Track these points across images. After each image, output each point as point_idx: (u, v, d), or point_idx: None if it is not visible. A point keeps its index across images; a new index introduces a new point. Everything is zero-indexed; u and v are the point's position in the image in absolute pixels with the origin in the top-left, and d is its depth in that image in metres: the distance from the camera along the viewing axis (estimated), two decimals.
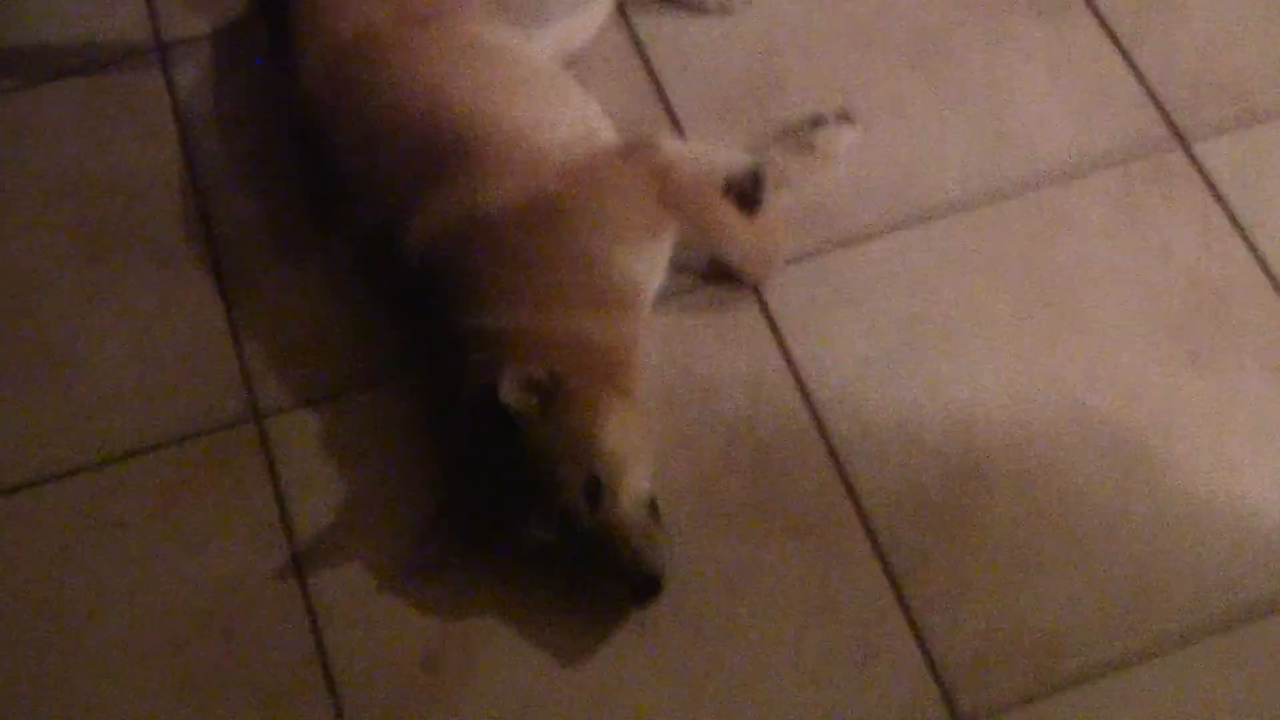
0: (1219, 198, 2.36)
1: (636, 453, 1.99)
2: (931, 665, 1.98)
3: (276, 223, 2.40)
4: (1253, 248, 2.31)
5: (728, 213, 2.21)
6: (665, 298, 2.23)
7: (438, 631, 2.05)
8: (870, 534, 2.07)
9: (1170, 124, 2.43)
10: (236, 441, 2.18)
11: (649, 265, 2.14)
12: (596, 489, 1.92)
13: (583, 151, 2.15)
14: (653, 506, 2.00)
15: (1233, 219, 2.34)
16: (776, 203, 2.29)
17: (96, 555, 2.11)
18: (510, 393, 1.91)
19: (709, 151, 2.28)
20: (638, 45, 2.50)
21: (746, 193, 2.25)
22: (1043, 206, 2.37)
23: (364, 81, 2.19)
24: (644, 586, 1.93)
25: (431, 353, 2.15)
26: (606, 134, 2.26)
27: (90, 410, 2.23)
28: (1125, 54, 2.51)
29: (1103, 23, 2.54)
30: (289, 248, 2.36)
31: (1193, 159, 2.39)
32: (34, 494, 2.17)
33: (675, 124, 2.44)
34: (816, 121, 2.37)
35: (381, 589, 2.07)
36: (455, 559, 2.07)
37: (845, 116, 2.39)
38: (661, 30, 2.54)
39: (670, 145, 2.22)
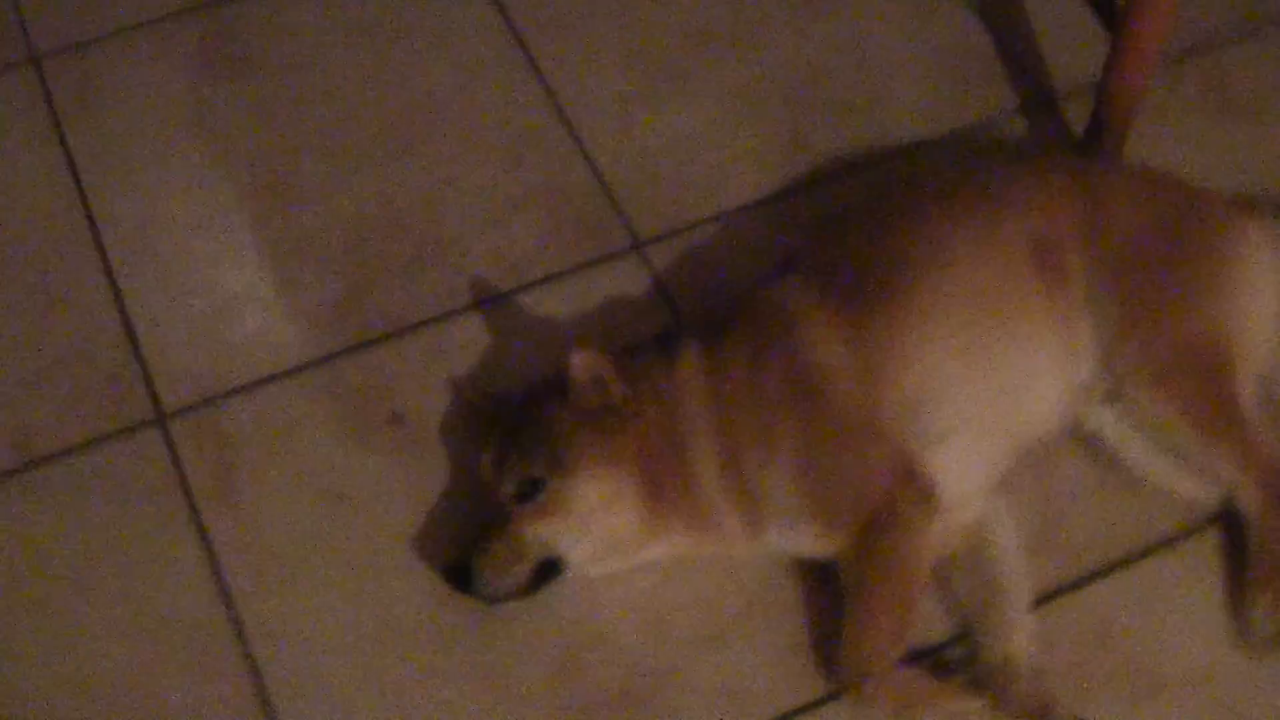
0: None
1: (594, 529, 1.77)
2: None
3: None
4: None
5: (891, 610, 1.75)
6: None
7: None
8: None
9: None
10: None
11: (798, 541, 1.81)
12: (532, 492, 1.76)
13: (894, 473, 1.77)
14: (549, 567, 1.78)
15: None
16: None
17: None
18: (581, 368, 1.75)
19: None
20: None
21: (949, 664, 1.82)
22: None
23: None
24: (459, 574, 1.75)
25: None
26: (962, 507, 1.82)
27: None
28: None
29: None
30: None
31: None
32: None
33: None
34: None
35: None
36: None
37: None
38: None
39: (934, 520, 1.77)
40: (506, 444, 1.79)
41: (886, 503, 1.76)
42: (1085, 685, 1.78)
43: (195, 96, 2.20)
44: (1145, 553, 1.87)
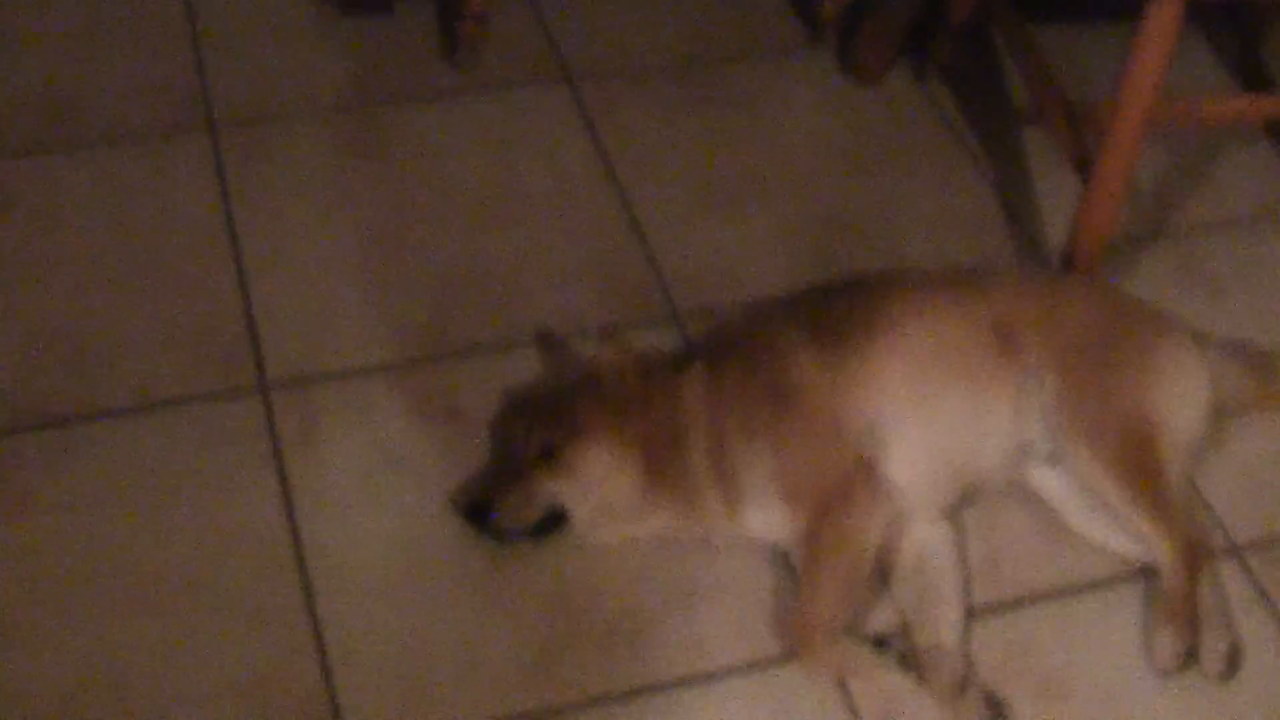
0: None
1: (596, 492, 2.12)
2: None
3: None
4: None
5: (836, 582, 2.07)
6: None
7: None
8: None
9: None
10: None
11: (768, 520, 2.15)
12: (550, 453, 2.10)
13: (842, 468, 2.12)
14: (555, 517, 2.13)
15: None
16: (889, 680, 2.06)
17: None
18: (609, 360, 2.14)
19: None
20: None
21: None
22: None
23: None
24: (479, 510, 2.11)
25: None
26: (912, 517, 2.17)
27: None
28: None
29: None
30: None
31: None
32: None
33: None
34: None
35: None
36: None
37: None
38: None
39: (882, 506, 2.11)
40: (537, 412, 2.17)
41: (842, 487, 2.09)
42: (1002, 683, 2.06)
43: (340, 166, 2.71)
44: (1070, 591, 2.17)
